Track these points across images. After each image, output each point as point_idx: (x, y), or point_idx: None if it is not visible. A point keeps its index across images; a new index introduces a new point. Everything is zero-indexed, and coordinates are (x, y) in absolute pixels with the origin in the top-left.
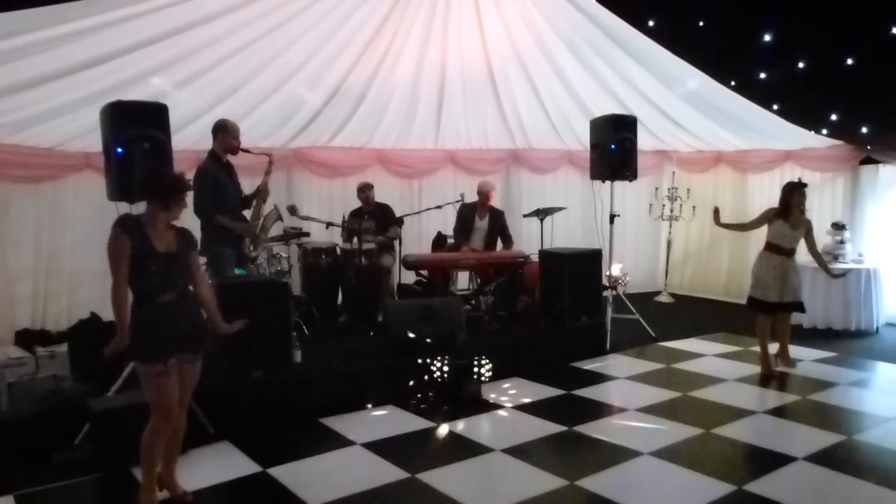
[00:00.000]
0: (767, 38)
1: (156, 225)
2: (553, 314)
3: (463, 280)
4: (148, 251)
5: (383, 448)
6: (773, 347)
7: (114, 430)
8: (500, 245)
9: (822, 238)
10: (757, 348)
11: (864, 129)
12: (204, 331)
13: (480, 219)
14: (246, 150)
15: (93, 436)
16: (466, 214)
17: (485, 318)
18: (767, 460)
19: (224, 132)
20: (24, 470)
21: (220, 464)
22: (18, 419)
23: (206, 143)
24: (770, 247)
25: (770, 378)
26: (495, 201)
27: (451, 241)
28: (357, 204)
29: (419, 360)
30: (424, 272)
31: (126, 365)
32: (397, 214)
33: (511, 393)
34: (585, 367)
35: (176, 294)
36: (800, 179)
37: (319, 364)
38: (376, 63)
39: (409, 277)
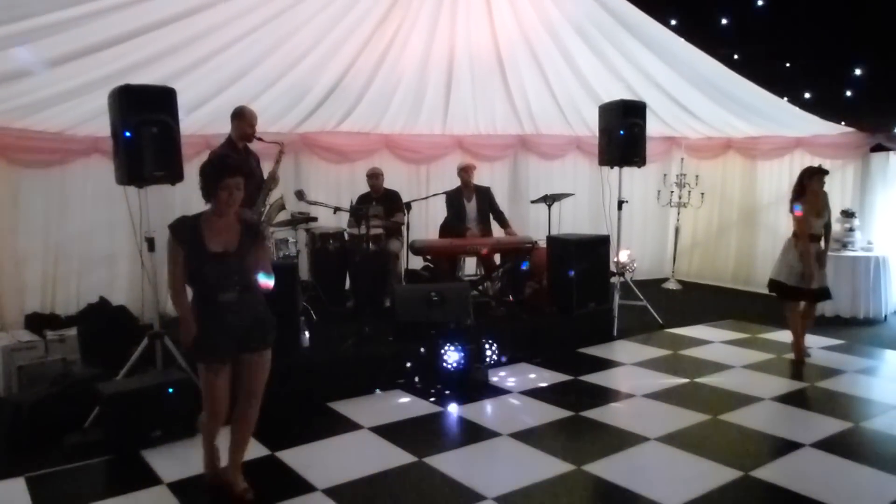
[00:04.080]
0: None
1: (212, 221)
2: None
3: (470, 266)
4: (201, 254)
5: (391, 432)
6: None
7: (123, 413)
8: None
9: (832, 225)
10: (766, 335)
11: (875, 117)
12: (269, 325)
13: (468, 201)
14: (259, 139)
15: (102, 419)
16: (455, 200)
17: (492, 303)
18: (774, 446)
19: (240, 119)
20: (35, 452)
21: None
22: (29, 402)
23: (214, 128)
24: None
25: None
26: (503, 187)
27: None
28: (365, 189)
29: (426, 345)
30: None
31: (135, 349)
32: (404, 200)
33: (518, 378)
34: (593, 353)
35: (235, 293)
36: (820, 166)
37: (327, 348)
38: (384, 48)
39: (417, 263)
